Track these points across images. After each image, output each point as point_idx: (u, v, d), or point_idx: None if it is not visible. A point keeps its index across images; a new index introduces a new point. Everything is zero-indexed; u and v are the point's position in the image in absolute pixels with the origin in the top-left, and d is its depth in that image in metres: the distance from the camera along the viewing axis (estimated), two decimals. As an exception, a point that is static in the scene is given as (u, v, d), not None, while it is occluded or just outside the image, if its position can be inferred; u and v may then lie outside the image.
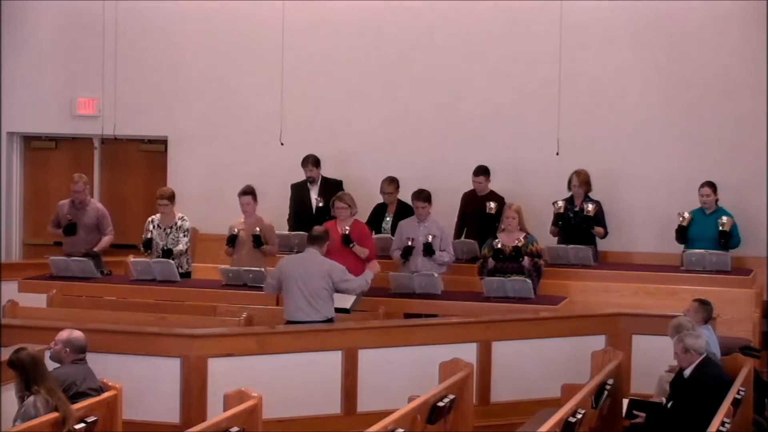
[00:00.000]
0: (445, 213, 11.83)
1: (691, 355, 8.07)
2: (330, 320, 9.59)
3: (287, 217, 12.40)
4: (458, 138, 12.90)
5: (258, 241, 11.08)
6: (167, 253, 11.24)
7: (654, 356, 9.20)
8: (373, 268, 10.11)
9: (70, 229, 11.74)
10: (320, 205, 12.08)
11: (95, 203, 12.14)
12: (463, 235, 11.99)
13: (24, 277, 11.29)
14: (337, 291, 9.69)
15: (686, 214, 11.45)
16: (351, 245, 10.58)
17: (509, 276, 10.38)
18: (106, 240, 11.91)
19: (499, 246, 10.56)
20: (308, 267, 9.58)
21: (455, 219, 12.15)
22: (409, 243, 10.75)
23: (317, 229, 9.97)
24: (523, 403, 9.44)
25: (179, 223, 11.48)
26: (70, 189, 11.97)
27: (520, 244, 10.52)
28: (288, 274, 9.60)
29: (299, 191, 12.40)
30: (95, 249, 11.75)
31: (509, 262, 10.57)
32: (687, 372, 8.09)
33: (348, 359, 9.20)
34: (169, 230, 11.45)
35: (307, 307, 9.48)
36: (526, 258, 10.53)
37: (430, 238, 10.72)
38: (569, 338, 9.69)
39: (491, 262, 10.61)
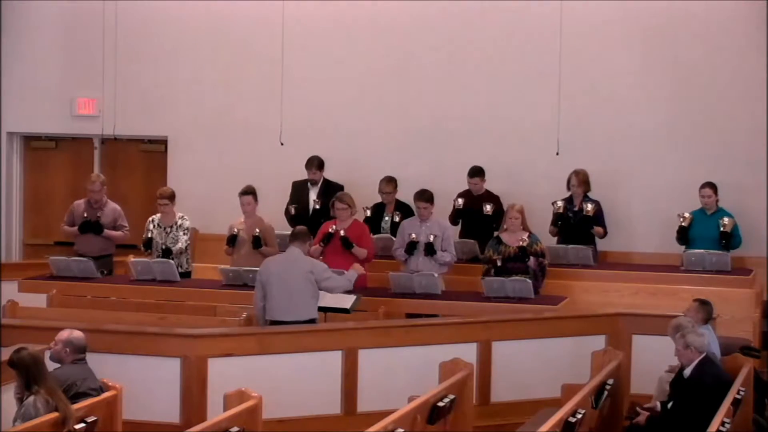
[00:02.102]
0: (445, 213, 11.83)
1: (692, 352, 8.07)
2: (312, 321, 9.56)
3: (284, 209, 12.34)
4: (458, 138, 12.89)
5: (257, 242, 11.08)
6: (167, 252, 11.25)
7: (654, 356, 9.20)
8: (357, 269, 10.09)
9: (85, 227, 11.73)
10: (317, 207, 12.07)
11: (112, 204, 12.11)
12: (458, 235, 11.97)
13: (24, 277, 11.29)
14: (320, 290, 9.66)
15: (686, 215, 11.45)
16: (351, 248, 10.54)
17: (513, 276, 10.37)
18: (118, 234, 11.91)
19: (498, 261, 10.55)
20: (289, 266, 9.55)
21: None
22: (413, 236, 10.74)
23: (298, 228, 9.94)
24: (523, 403, 9.44)
25: (179, 221, 11.50)
26: (87, 189, 11.97)
27: (524, 244, 10.51)
28: (269, 273, 9.58)
29: (299, 190, 12.40)
30: (104, 234, 11.77)
31: (514, 262, 10.57)
32: (687, 371, 8.09)
33: (348, 359, 9.20)
34: (169, 229, 11.47)
35: (289, 306, 9.45)
36: (531, 258, 10.53)
37: (431, 238, 10.71)
38: (569, 338, 9.69)
39: (493, 272, 10.62)
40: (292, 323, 9.42)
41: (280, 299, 9.48)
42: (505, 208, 11.87)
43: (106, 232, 11.82)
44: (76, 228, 11.85)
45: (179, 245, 11.39)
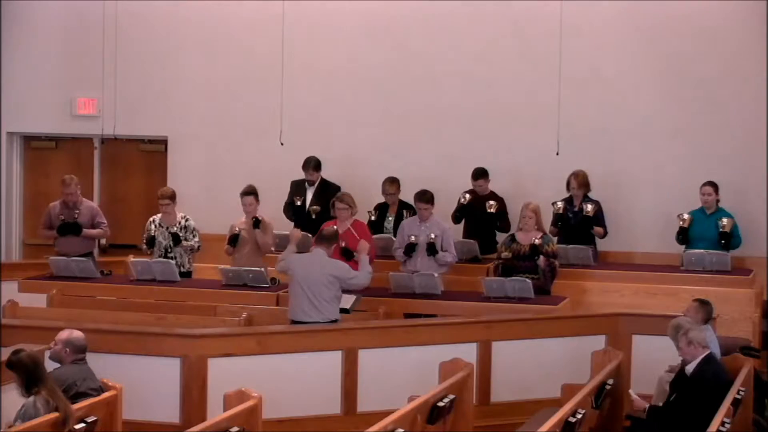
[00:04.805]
0: (446, 214, 11.83)
1: (695, 348, 8.05)
2: (334, 321, 9.59)
3: (283, 208, 12.36)
4: (458, 138, 12.89)
5: (257, 223, 11.09)
6: (176, 237, 11.25)
7: (654, 356, 9.20)
8: (363, 248, 10.08)
9: (64, 228, 11.74)
10: (313, 217, 12.00)
11: (88, 202, 12.14)
12: (460, 235, 11.98)
13: (24, 277, 11.28)
14: (346, 289, 9.68)
15: (685, 216, 11.45)
16: (351, 258, 10.50)
17: (523, 275, 10.38)
18: (97, 231, 11.92)
19: (508, 255, 10.58)
20: (313, 268, 9.57)
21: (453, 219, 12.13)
22: (412, 239, 10.74)
23: (327, 229, 9.98)
24: (523, 403, 9.45)
25: (183, 223, 11.49)
26: (62, 192, 11.97)
27: (538, 243, 10.50)
28: (293, 272, 9.63)
29: (297, 189, 12.40)
30: (83, 234, 11.77)
31: (524, 260, 10.57)
32: (689, 368, 8.08)
33: (348, 359, 9.20)
34: (172, 229, 11.45)
35: (311, 308, 9.49)
36: (541, 258, 10.52)
37: (432, 237, 10.70)
38: (569, 338, 9.69)
39: (500, 270, 10.63)
40: (313, 324, 9.46)
41: (302, 300, 9.52)
42: (508, 210, 11.93)
43: (86, 231, 11.82)
44: (54, 231, 11.83)
45: (191, 243, 11.42)
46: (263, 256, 11.27)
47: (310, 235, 10.96)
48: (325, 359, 9.19)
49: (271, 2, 13.30)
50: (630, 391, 8.57)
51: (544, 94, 12.60)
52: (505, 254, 10.68)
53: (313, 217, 11.95)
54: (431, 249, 10.68)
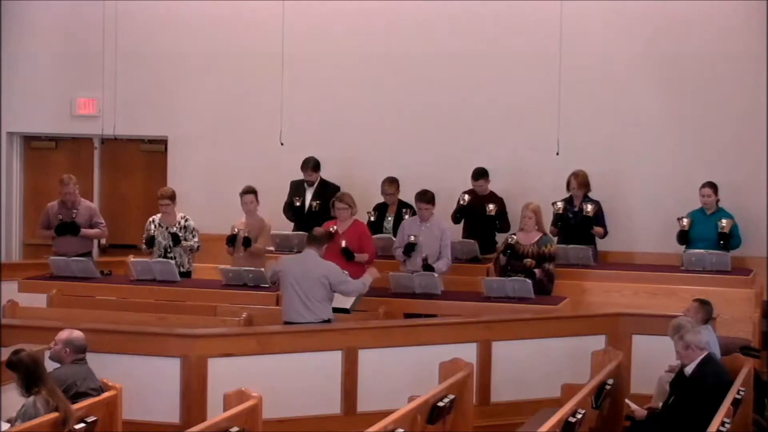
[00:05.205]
0: (446, 214, 11.84)
1: (693, 351, 8.06)
2: (327, 321, 9.58)
3: (282, 208, 12.37)
4: (458, 138, 12.89)
5: (247, 242, 11.10)
6: (175, 238, 11.24)
7: (654, 356, 9.21)
8: (373, 273, 10.04)
9: (62, 228, 11.74)
10: (315, 210, 12.02)
11: (86, 202, 12.15)
12: (460, 235, 11.98)
13: (24, 277, 11.28)
14: (335, 292, 9.67)
15: (685, 220, 11.44)
16: (352, 258, 10.48)
17: (521, 275, 10.38)
18: (95, 231, 11.92)
19: (514, 241, 10.61)
20: (305, 268, 9.56)
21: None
22: (412, 238, 10.74)
23: (318, 230, 9.96)
24: (523, 403, 9.45)
25: (183, 223, 11.48)
26: (60, 191, 11.97)
27: (531, 266, 10.49)
28: (285, 273, 9.61)
29: (297, 189, 12.40)
30: (81, 233, 11.77)
31: (522, 261, 10.58)
32: (688, 369, 8.08)
33: (348, 359, 9.21)
34: (172, 229, 11.45)
35: (303, 308, 9.47)
36: (537, 270, 10.54)
37: (426, 258, 10.65)
38: (569, 338, 9.69)
39: (503, 258, 10.64)
40: (306, 324, 9.45)
41: (295, 301, 9.50)
42: (508, 210, 11.94)
43: (84, 231, 11.83)
44: (52, 231, 11.83)
45: (190, 244, 11.41)
46: (263, 257, 11.28)
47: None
48: (325, 359, 9.19)
49: (271, 2, 13.30)
50: (627, 401, 8.57)
51: (544, 94, 12.60)
52: (508, 246, 10.70)
53: (315, 209, 11.95)
54: (427, 267, 10.64)
